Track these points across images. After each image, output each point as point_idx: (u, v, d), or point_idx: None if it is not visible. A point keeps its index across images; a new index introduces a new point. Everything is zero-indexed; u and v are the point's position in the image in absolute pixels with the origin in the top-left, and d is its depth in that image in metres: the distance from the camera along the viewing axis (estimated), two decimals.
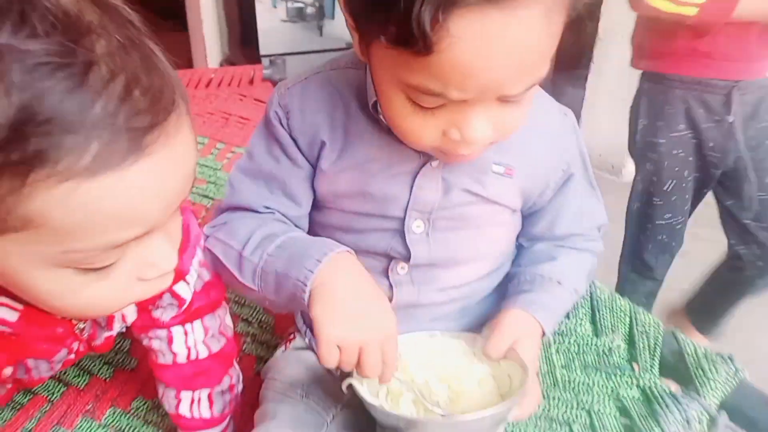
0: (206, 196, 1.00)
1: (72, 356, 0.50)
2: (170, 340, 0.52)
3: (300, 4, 2.53)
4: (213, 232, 0.54)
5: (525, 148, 0.52)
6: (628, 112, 1.21)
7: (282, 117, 0.53)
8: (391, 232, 0.54)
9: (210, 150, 1.15)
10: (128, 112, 0.30)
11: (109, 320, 0.49)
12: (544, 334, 0.54)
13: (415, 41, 0.36)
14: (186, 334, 0.52)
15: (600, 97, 2.45)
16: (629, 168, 1.86)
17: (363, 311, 0.47)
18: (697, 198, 1.20)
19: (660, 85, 1.10)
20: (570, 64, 2.51)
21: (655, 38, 1.08)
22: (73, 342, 0.47)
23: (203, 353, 0.53)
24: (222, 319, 0.55)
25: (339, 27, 2.54)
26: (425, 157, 0.50)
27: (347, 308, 0.46)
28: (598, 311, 0.71)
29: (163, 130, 0.31)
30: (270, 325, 0.74)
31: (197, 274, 0.51)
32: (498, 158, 0.52)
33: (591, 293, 0.73)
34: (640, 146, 1.16)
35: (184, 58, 2.95)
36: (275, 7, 2.47)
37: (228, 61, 2.82)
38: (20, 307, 0.40)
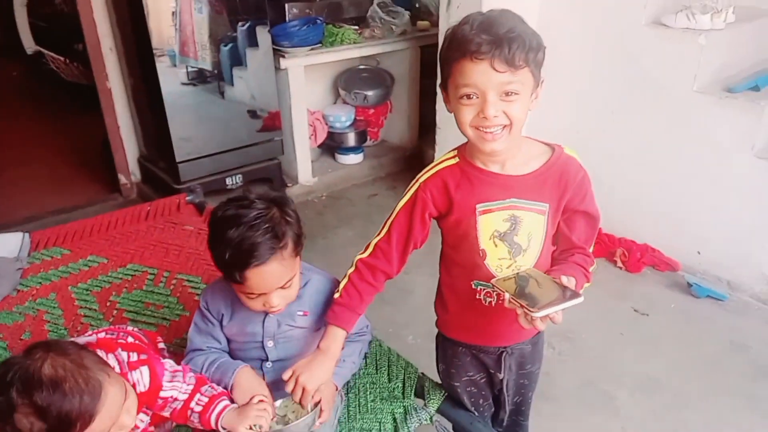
0: (164, 318, 1.56)
1: None
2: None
3: (199, 67, 2.85)
4: (191, 362, 1.17)
5: (311, 301, 1.18)
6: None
7: (204, 307, 1.18)
8: (258, 348, 1.19)
9: (160, 279, 1.71)
10: (82, 401, 0.85)
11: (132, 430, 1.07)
12: (338, 388, 1.21)
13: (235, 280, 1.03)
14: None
15: None
16: None
17: (254, 391, 1.11)
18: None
19: (447, 341, 1.25)
20: None
21: (438, 305, 1.23)
22: None
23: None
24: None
25: (239, 93, 3.00)
26: (265, 313, 1.14)
27: (245, 391, 1.11)
28: (390, 367, 1.38)
29: (105, 397, 0.88)
30: None
31: (171, 387, 1.09)
32: (298, 308, 1.17)
33: (389, 357, 1.40)
34: (443, 382, 1.31)
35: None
36: (175, 65, 2.78)
37: (144, 158, 3.29)
38: None
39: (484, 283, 1.08)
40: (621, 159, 2.69)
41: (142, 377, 1.04)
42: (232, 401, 1.11)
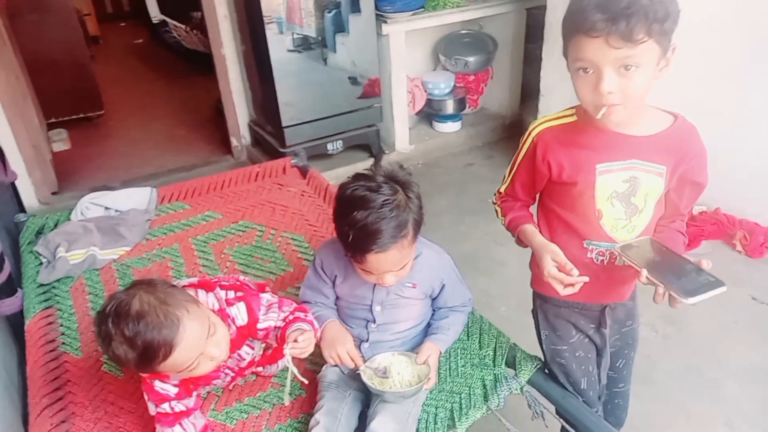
0: (270, 272, 1.67)
1: (228, 378, 1.22)
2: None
3: (304, 34, 2.96)
4: None
5: (421, 274, 1.21)
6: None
7: (319, 265, 1.25)
8: (366, 310, 1.24)
9: (267, 236, 1.83)
10: (162, 333, 0.96)
11: (238, 361, 1.19)
12: (441, 353, 1.25)
13: (356, 259, 1.09)
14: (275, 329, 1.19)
15: None
16: None
17: (336, 340, 1.20)
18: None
19: (548, 303, 1.24)
20: None
21: (536, 264, 1.16)
22: (223, 370, 1.18)
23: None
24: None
25: (341, 59, 3.07)
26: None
27: (329, 342, 1.21)
28: (481, 335, 1.40)
29: (184, 330, 0.98)
30: (318, 354, 1.43)
31: (266, 319, 1.18)
32: (407, 280, 1.20)
33: (480, 326, 1.42)
34: (549, 353, 1.27)
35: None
36: (282, 32, 2.90)
37: (254, 122, 3.48)
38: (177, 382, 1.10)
39: (597, 243, 1.09)
40: (747, 132, 2.44)
41: (239, 312, 1.15)
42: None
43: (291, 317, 1.17)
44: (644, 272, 0.96)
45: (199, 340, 1.02)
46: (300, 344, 1.11)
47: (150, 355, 0.97)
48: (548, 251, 1.06)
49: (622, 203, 1.05)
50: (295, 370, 1.12)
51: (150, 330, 0.96)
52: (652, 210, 1.07)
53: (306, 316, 1.18)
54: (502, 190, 1.23)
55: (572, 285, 1.03)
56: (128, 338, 0.96)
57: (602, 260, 1.10)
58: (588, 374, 1.24)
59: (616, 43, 0.87)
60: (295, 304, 1.22)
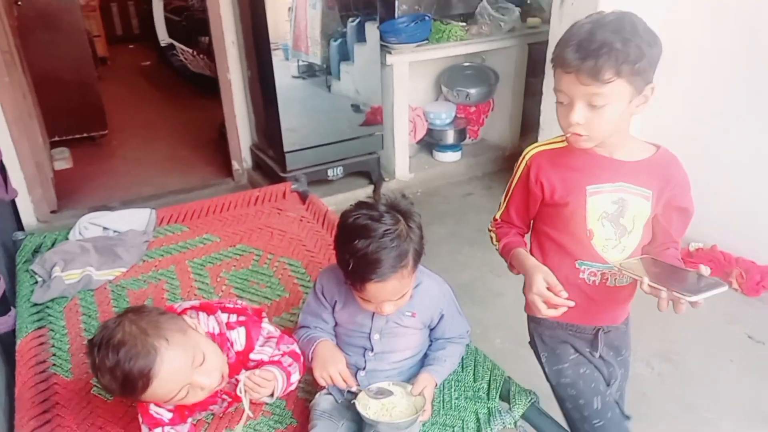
0: (266, 297, 1.67)
1: (225, 404, 1.20)
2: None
3: (309, 61, 3.01)
4: (295, 335, 1.27)
5: (420, 304, 1.21)
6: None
7: (320, 290, 1.24)
8: (364, 338, 1.23)
9: (264, 260, 1.83)
10: (138, 364, 0.95)
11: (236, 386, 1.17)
12: (437, 385, 1.23)
13: (355, 287, 1.09)
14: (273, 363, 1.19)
15: None
16: None
17: (327, 361, 1.18)
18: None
19: (542, 326, 1.25)
20: None
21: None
22: (220, 396, 1.16)
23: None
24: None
25: (344, 87, 3.11)
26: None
27: (320, 362, 1.18)
28: (476, 367, 1.38)
29: (162, 361, 0.96)
30: (310, 383, 1.41)
31: (261, 348, 1.18)
32: (407, 309, 1.20)
33: (475, 358, 1.41)
34: (553, 376, 1.25)
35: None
36: (288, 59, 2.94)
37: (255, 147, 3.51)
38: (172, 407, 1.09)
39: (589, 263, 1.12)
40: (744, 169, 2.46)
41: (239, 337, 1.14)
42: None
43: (277, 358, 1.17)
44: (646, 279, 0.98)
45: (181, 370, 1.00)
46: (255, 378, 1.10)
47: (130, 386, 0.96)
48: (541, 271, 1.09)
49: (612, 224, 1.10)
50: (246, 401, 1.12)
51: (128, 360, 0.95)
52: (641, 232, 1.11)
53: (290, 366, 1.17)
54: (497, 216, 1.28)
55: (555, 307, 1.04)
56: (109, 368, 0.96)
57: (594, 281, 1.14)
58: (600, 393, 1.22)
59: (584, 80, 0.96)
60: (294, 346, 1.22)
